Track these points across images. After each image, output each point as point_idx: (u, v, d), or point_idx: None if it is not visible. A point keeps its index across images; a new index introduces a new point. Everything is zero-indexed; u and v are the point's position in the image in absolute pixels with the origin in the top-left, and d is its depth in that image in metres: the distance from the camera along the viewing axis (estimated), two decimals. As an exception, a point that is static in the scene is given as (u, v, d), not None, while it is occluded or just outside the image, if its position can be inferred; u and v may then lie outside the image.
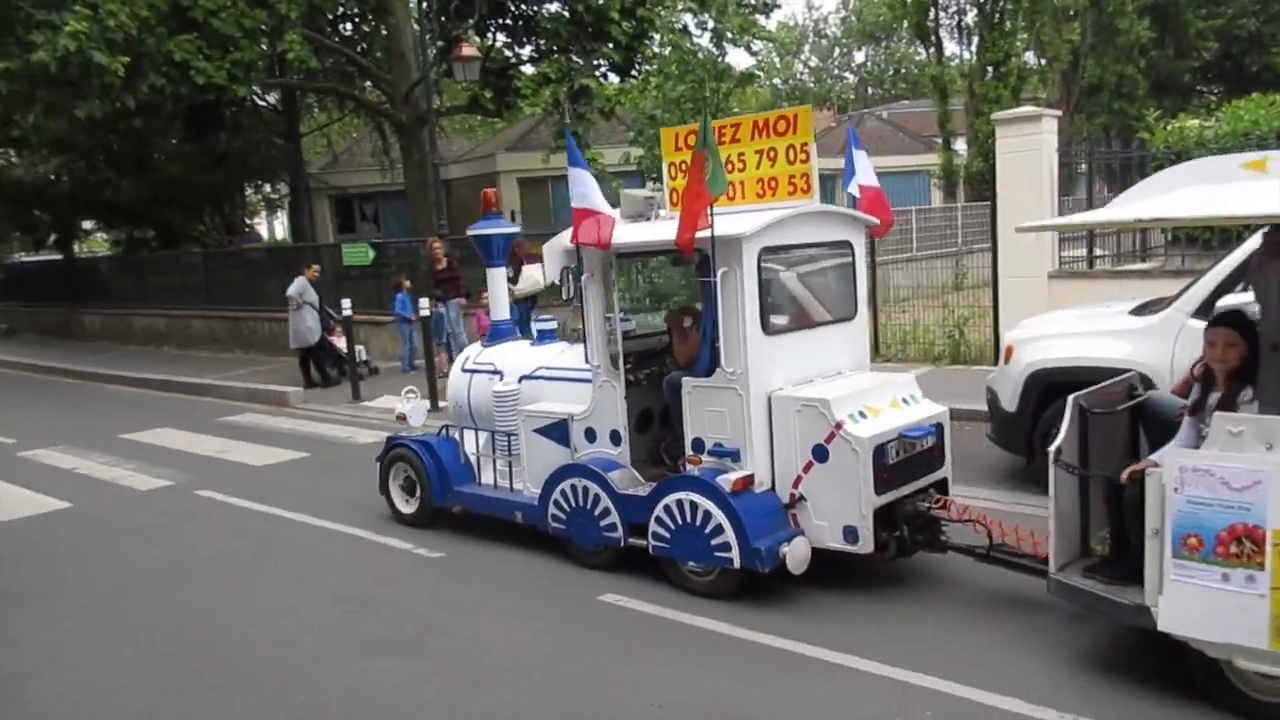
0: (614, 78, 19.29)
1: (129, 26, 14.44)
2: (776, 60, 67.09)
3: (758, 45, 26.10)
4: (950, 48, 31.64)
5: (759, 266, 5.68)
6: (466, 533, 7.36)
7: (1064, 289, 10.61)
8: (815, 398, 5.60)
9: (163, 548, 7.68)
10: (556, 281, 7.05)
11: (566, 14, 18.45)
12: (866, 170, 6.50)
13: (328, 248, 20.00)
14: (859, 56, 70.71)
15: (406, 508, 7.77)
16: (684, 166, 6.11)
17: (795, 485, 5.70)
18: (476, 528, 7.32)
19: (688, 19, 19.35)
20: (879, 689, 4.64)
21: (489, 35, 20.42)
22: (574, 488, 6.40)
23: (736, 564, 5.60)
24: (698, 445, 5.96)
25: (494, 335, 8.06)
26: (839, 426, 5.46)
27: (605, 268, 6.27)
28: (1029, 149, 10.99)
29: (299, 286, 14.57)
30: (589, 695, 4.79)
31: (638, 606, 5.80)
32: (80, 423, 13.34)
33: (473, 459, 7.51)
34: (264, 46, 16.38)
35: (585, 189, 6.05)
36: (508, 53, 20.54)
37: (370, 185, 28.75)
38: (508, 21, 20.42)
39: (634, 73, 19.07)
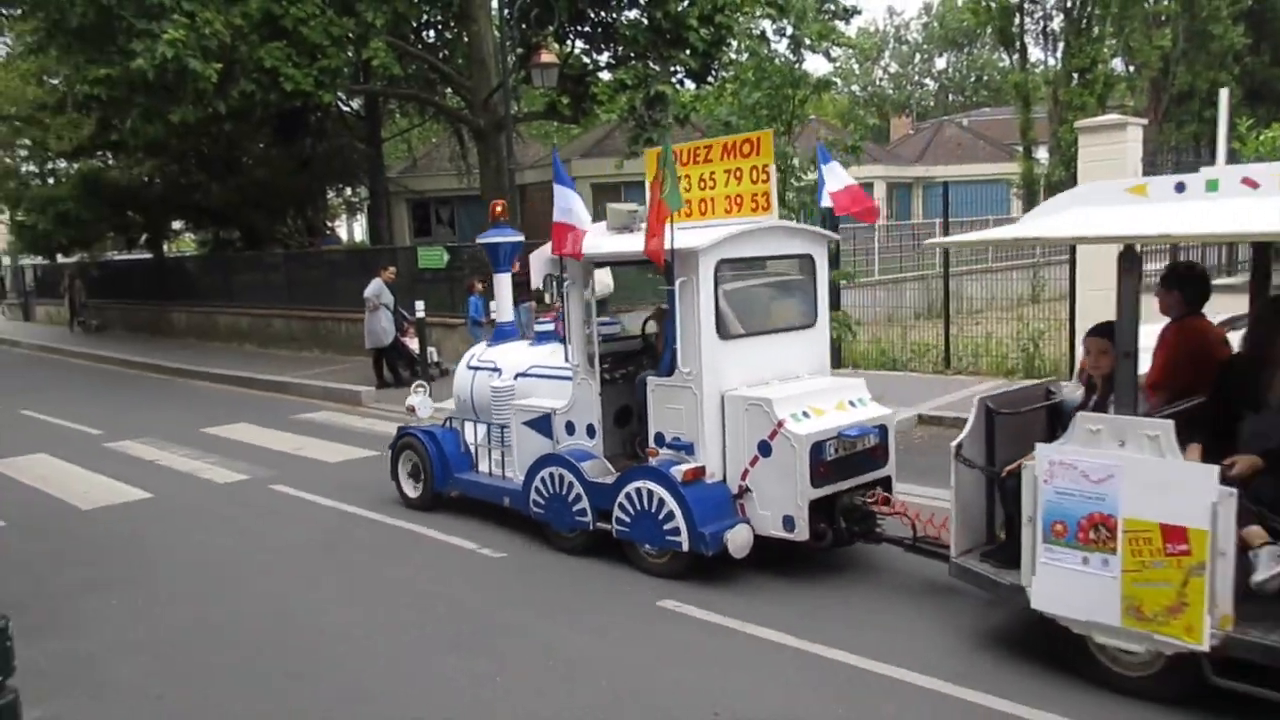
0: (690, 84, 19.30)
1: (223, 35, 14.92)
2: (856, 67, 66.47)
3: (836, 52, 25.88)
4: (1035, 54, 30.98)
5: (715, 277, 6.23)
6: (530, 535, 7.44)
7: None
8: (761, 398, 6.13)
9: (238, 539, 7.91)
10: (540, 287, 7.78)
11: (645, 21, 18.52)
12: (837, 177, 7.10)
13: (404, 250, 20.37)
14: (940, 63, 69.73)
15: (412, 492, 8.45)
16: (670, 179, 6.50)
17: (743, 477, 6.23)
18: (539, 530, 7.39)
19: (766, 25, 19.28)
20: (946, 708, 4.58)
21: (568, 42, 20.62)
22: (552, 475, 7.02)
23: (685, 547, 6.16)
24: (659, 439, 6.52)
25: (498, 336, 8.68)
26: (780, 424, 5.97)
27: (585, 275, 6.82)
28: (1113, 158, 10.71)
29: (375, 288, 14.88)
30: (647, 700, 4.81)
31: (696, 614, 5.81)
32: (164, 416, 13.80)
33: (473, 449, 8.23)
34: (350, 54, 16.75)
35: (568, 204, 6.66)
36: (585, 59, 20.70)
37: (447, 190, 29.22)
38: (586, 28, 20.58)
39: (710, 79, 19.06)
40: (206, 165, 25.55)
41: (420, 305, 14.07)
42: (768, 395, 6.12)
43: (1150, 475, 4.25)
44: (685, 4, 17.76)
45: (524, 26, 18.31)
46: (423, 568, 7.00)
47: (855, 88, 66.92)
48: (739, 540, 6.04)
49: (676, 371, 6.31)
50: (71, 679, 5.40)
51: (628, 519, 6.48)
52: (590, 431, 6.95)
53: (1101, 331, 5.03)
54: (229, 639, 5.87)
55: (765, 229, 6.49)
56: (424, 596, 6.40)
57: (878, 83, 70.01)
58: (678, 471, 6.18)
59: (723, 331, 6.31)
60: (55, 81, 24.19)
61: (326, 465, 10.32)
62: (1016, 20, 29.05)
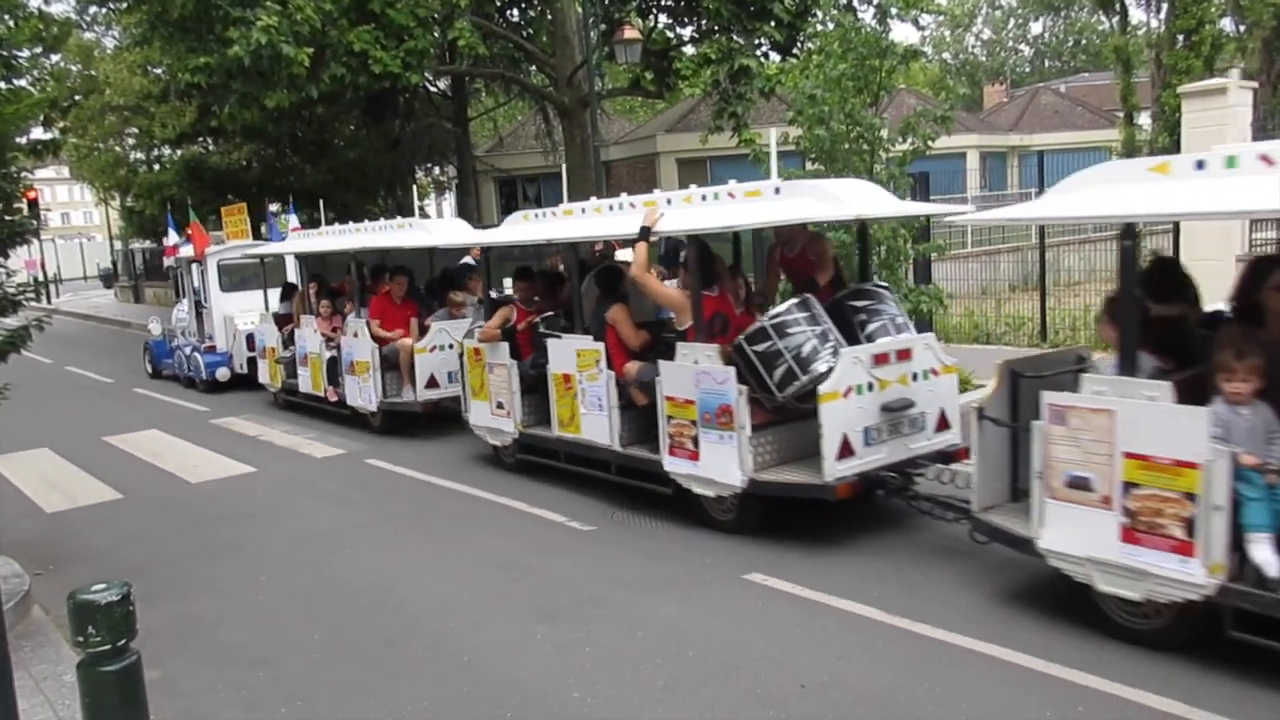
0: (775, 57, 19.05)
1: (314, 20, 15.29)
2: (947, 34, 64.76)
3: (926, 20, 25.27)
4: (1136, 15, 29.77)
5: (219, 267, 15.07)
6: (616, 507, 7.56)
7: None
8: (231, 316, 14.61)
9: (336, 511, 8.20)
10: (167, 271, 18.74)
11: (729, -7, 18.32)
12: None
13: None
14: (1035, 28, 67.49)
15: (149, 370, 17.06)
16: (227, 224, 16.93)
17: (231, 348, 14.63)
18: (627, 504, 7.48)
19: (853, -7, 18.88)
20: (1033, 685, 4.53)
21: (651, 17, 20.54)
22: (177, 354, 15.98)
23: (204, 377, 14.74)
24: (209, 335, 15.01)
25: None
26: (238, 327, 14.27)
27: (188, 266, 15.83)
28: (1219, 124, 10.31)
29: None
30: (733, 672, 4.85)
31: (783, 587, 5.82)
32: (264, 394, 14.25)
33: (177, 350, 16.10)
34: (436, 35, 17.00)
35: (170, 233, 17.32)
36: (669, 34, 20.60)
37: (533, 167, 29.46)
38: (669, 3, 20.48)
39: (795, 52, 18.78)
40: (300, 148, 26.23)
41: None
42: (234, 315, 14.50)
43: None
44: (769, -25, 17.50)
45: (607, 3, 18.31)
46: (512, 539, 7.15)
47: (946, 55, 65.21)
48: (220, 373, 14.50)
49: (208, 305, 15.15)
50: (185, 642, 5.68)
51: (191, 370, 15.23)
52: (192, 334, 15.52)
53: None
54: (328, 606, 6.10)
55: (245, 245, 15.21)
56: (514, 568, 6.54)
57: (970, 50, 68.12)
58: (203, 347, 14.86)
59: (223, 288, 15.07)
60: (159, 71, 25.10)
61: (417, 442, 10.58)
62: (1117, -20, 27.90)
